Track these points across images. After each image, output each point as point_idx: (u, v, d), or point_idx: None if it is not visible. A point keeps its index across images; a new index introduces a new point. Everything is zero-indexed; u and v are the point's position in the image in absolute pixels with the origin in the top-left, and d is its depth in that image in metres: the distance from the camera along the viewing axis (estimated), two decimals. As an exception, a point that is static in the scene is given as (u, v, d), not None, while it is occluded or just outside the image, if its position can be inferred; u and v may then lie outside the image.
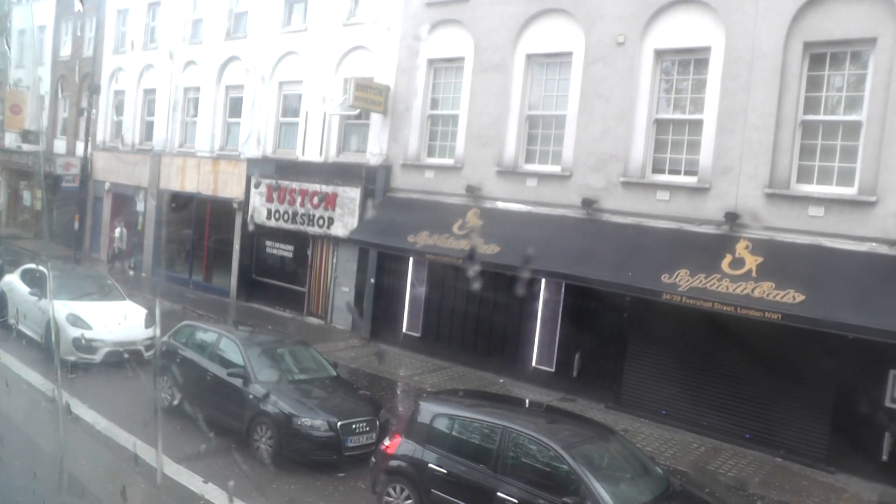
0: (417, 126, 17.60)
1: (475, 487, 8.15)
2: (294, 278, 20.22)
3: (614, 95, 14.86)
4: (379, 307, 17.91)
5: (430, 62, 17.56)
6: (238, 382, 10.85)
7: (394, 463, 8.83)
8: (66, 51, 32.76)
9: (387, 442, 9.17)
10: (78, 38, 31.68)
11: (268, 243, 21.14)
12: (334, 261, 19.15)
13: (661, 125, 14.55)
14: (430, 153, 17.61)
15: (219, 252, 23.36)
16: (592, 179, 15.06)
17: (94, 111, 27.01)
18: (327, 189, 18.78)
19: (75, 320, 14.71)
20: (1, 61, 37.62)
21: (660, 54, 14.48)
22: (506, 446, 8.13)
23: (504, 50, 16.30)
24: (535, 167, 15.99)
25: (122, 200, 28.10)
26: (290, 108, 20.90)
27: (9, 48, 36.88)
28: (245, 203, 21.36)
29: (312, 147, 19.60)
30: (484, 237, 15.39)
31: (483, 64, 16.59)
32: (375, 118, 18.19)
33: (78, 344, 14.41)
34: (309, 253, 19.67)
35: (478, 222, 15.82)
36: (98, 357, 14.43)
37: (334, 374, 11.88)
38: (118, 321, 15.08)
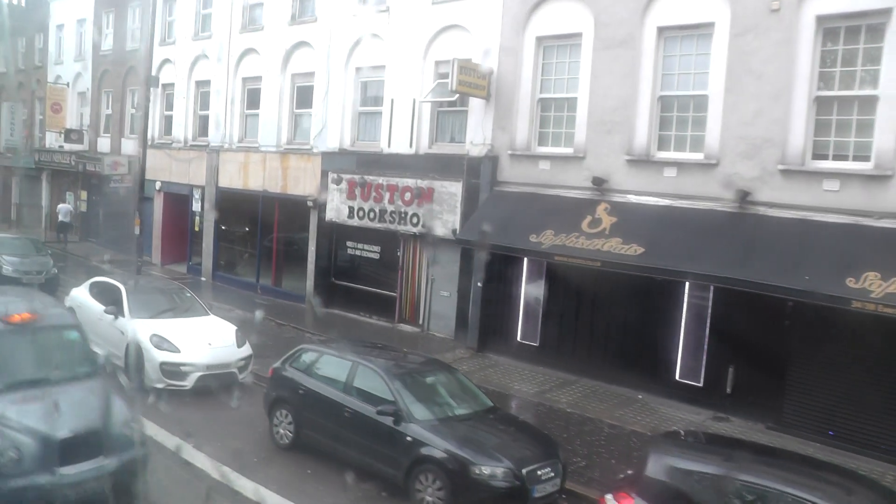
0: (526, 112, 15.72)
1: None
2: (382, 282, 18.42)
3: (768, 71, 12.91)
4: (488, 314, 16.08)
5: (539, 40, 15.66)
6: (388, 421, 9.04)
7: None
8: (107, 44, 31.13)
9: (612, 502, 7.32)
10: (120, 31, 30.05)
11: (349, 244, 19.35)
12: (430, 262, 17.33)
13: (823, 104, 12.59)
14: (542, 141, 15.72)
15: (290, 253, 21.63)
16: (744, 168, 13.14)
17: (150, 106, 25.30)
18: (422, 184, 16.95)
19: (160, 342, 12.99)
20: (39, 58, 36.14)
21: (822, 21, 12.50)
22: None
23: (630, 23, 14.37)
24: (671, 155, 14.08)
25: (176, 200, 26.45)
26: (371, 96, 19.07)
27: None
28: (321, 201, 19.56)
29: (400, 138, 17.77)
30: (622, 236, 13.53)
31: (605, 40, 14.67)
32: (476, 104, 16.32)
33: (166, 370, 12.71)
34: (399, 254, 17.86)
35: (611, 219, 13.95)
36: (189, 383, 12.74)
37: (490, 404, 10.06)
38: (208, 341, 13.36)
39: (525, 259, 15.39)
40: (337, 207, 19.04)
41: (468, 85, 15.41)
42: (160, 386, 12.62)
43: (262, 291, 21.91)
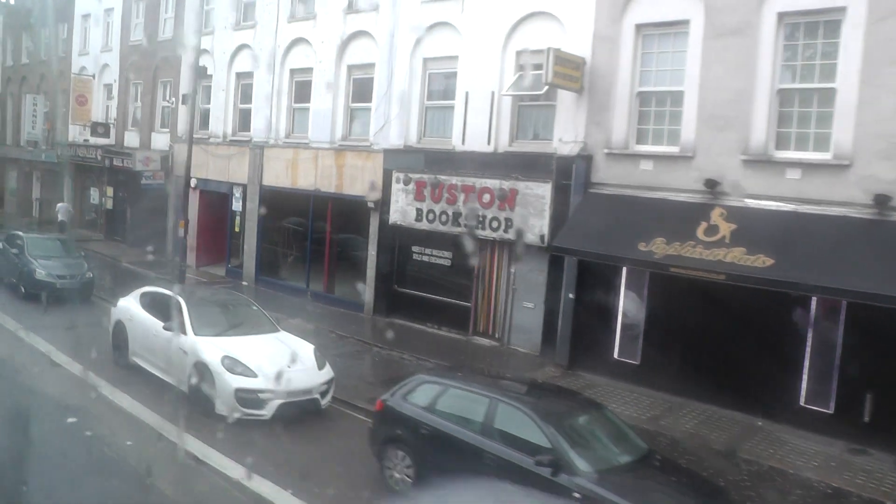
0: (624, 106, 14.33)
1: None
2: (454, 291, 17.05)
3: (913, 61, 11.54)
4: (579, 328, 14.72)
5: (639, 28, 14.27)
6: (544, 472, 7.67)
7: None
8: (137, 34, 29.77)
9: None
10: (151, 20, 28.69)
11: (415, 249, 17.96)
12: (512, 270, 15.97)
13: (976, 97, 11.23)
14: (642, 139, 14.34)
15: (344, 257, 20.29)
16: (882, 169, 11.77)
17: (197, 97, 23.90)
18: (504, 185, 15.57)
19: (233, 365, 11.51)
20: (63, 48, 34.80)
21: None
22: None
23: (746, 8, 13.00)
24: (792, 154, 12.71)
25: (213, 198, 25.11)
26: (440, 89, 17.67)
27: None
28: (384, 202, 18.20)
29: (476, 134, 16.39)
30: (746, 245, 12.16)
31: (717, 27, 13.29)
32: (565, 98, 14.95)
33: (242, 397, 11.30)
34: (475, 261, 16.49)
35: (729, 226, 12.57)
36: (268, 413, 11.26)
37: (645, 446, 8.69)
38: (286, 363, 11.94)
39: (624, 269, 14.04)
40: (402, 209, 17.66)
41: (563, 77, 14.04)
42: (235, 415, 11.19)
43: (314, 298, 20.55)
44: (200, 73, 20.39)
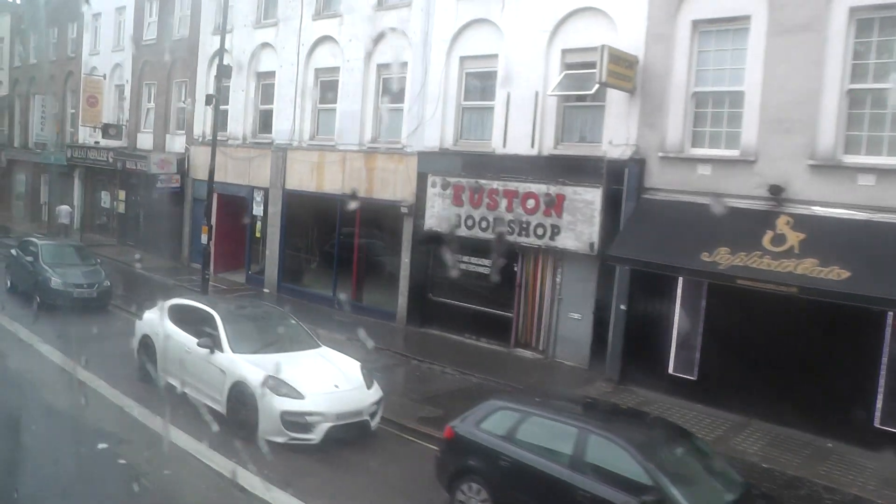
0: (679, 108, 13.61)
1: None
2: (493, 300, 16.30)
3: None
4: (631, 341, 13.99)
5: (695, 24, 13.54)
6: (649, 515, 6.94)
7: None
8: (150, 33, 29.08)
9: None
10: (165, 19, 27.98)
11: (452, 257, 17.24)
12: (558, 279, 15.24)
13: None
14: (698, 142, 13.61)
15: (373, 264, 19.55)
16: (965, 175, 11.05)
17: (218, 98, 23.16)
18: (552, 189, 14.84)
19: (278, 386, 10.67)
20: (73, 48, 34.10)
21: None
22: None
23: (814, 3, 12.27)
24: (864, 159, 11.97)
25: (232, 202, 24.37)
26: (477, 88, 16.95)
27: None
28: (419, 206, 17.46)
29: (518, 137, 15.66)
30: (818, 256, 11.43)
31: (782, 24, 12.56)
32: (615, 99, 14.22)
33: (289, 420, 10.54)
34: (517, 269, 15.77)
35: (797, 235, 11.85)
36: (317, 437, 10.48)
37: (740, 479, 7.94)
38: (334, 382, 11.20)
39: (680, 279, 13.31)
40: (438, 214, 16.93)
41: (616, 76, 13.32)
42: (280, 440, 10.42)
43: (340, 306, 19.82)
44: (225, 73, 19.61)
